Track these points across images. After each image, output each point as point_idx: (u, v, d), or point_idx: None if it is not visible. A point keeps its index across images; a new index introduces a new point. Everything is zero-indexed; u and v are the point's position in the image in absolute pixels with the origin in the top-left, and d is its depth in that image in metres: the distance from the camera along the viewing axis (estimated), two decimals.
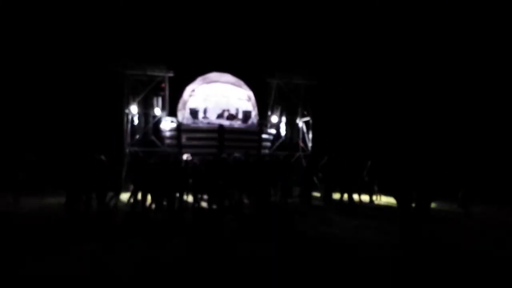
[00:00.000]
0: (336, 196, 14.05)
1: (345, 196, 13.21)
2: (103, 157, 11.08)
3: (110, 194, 11.50)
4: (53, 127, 21.55)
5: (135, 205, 11.29)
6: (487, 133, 20.85)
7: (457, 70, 22.71)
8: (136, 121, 20.10)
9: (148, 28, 24.03)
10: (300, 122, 21.77)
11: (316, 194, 15.82)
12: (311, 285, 5.59)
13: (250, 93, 21.00)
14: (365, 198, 14.68)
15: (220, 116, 20.21)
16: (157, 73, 19.89)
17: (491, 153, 19.50)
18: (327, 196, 13.99)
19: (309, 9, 25.41)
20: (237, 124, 20.02)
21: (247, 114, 20.38)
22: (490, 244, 8.21)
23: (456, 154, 19.20)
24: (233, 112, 20.44)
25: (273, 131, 20.93)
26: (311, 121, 21.72)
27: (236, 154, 14.59)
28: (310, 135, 21.69)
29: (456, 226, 10.43)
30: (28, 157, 11.88)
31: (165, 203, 11.26)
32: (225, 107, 20.49)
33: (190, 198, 13.17)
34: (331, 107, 24.01)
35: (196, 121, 19.84)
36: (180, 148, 18.86)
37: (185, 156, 16.06)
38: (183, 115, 20.15)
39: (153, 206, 11.26)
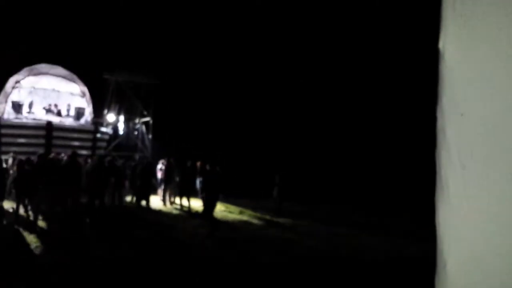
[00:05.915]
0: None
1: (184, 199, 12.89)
2: None
3: None
4: None
5: None
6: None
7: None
8: None
9: None
10: (140, 123, 21.30)
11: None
12: None
13: (84, 89, 19.65)
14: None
15: (48, 111, 18.54)
16: None
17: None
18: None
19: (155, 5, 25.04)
20: (68, 121, 18.60)
21: (80, 111, 19.02)
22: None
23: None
24: (64, 108, 18.94)
25: (109, 130, 20.00)
26: (151, 122, 21.38)
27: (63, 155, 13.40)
28: (150, 136, 21.35)
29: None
30: None
31: None
32: (54, 102, 18.87)
33: None
34: (174, 108, 23.89)
35: (19, 116, 17.82)
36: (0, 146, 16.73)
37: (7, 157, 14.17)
38: (4, 108, 17.91)
39: None
